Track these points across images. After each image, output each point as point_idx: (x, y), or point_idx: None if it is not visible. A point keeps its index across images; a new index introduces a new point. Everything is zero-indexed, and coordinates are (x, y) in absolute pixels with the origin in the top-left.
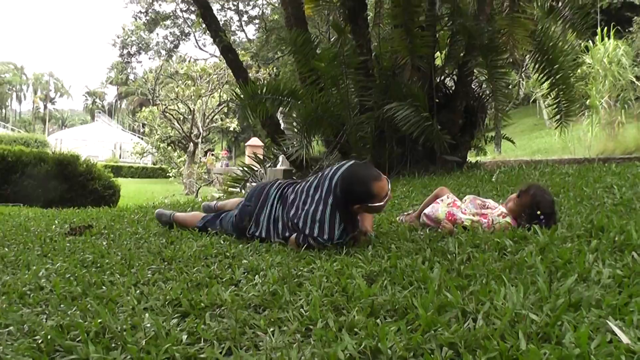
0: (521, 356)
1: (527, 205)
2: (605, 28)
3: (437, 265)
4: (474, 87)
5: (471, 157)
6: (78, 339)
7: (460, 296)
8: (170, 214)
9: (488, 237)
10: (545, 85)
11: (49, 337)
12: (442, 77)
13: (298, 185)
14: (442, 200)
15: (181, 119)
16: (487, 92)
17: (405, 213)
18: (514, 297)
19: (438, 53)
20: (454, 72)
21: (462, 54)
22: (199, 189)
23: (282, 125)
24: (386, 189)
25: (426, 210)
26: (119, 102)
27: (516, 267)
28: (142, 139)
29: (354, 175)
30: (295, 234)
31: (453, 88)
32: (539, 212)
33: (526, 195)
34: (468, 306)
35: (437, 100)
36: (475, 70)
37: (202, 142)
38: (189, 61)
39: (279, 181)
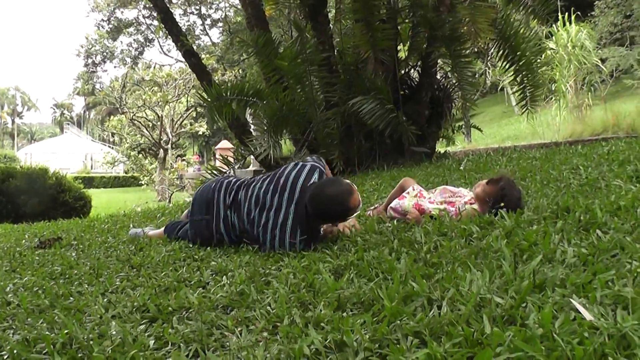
0: (485, 340)
1: (493, 195)
2: (567, 13)
3: (404, 256)
4: (439, 77)
5: (441, 147)
6: (44, 352)
7: (426, 285)
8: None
9: (455, 225)
10: (510, 72)
11: (14, 351)
12: (406, 69)
13: (250, 190)
14: (408, 193)
15: (150, 125)
16: (453, 82)
17: (373, 207)
18: (479, 282)
19: (401, 46)
20: (418, 64)
21: (424, 46)
22: (171, 195)
23: (252, 127)
24: (359, 197)
25: (392, 204)
26: (87, 112)
27: (482, 253)
28: (112, 148)
29: (328, 196)
30: (258, 245)
31: (417, 80)
32: (502, 205)
33: (495, 185)
34: (434, 294)
35: (402, 93)
36: (439, 61)
37: (172, 147)
38: (154, 67)
39: (225, 182)
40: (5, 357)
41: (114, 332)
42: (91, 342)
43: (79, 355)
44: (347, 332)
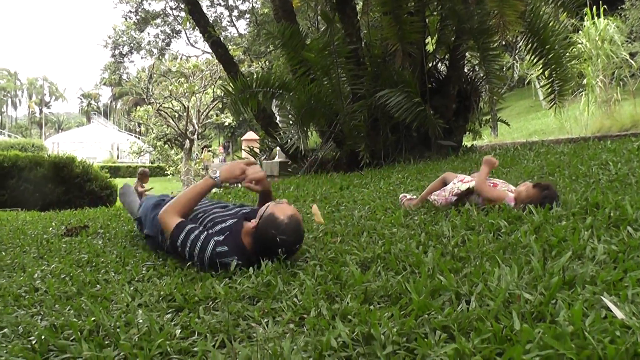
0: (515, 336)
1: (534, 200)
2: (594, 7)
3: (432, 249)
4: (466, 70)
5: (467, 141)
6: (72, 338)
7: (453, 279)
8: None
9: (482, 219)
10: (538, 65)
11: (42, 337)
12: (434, 63)
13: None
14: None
15: (176, 116)
16: (480, 75)
17: (408, 197)
18: (507, 278)
19: (429, 38)
20: (446, 57)
21: (452, 39)
22: None
23: (278, 118)
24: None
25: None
26: (113, 102)
27: (510, 248)
28: (138, 138)
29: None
30: None
31: (445, 73)
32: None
33: (539, 191)
34: (462, 289)
35: (429, 86)
36: (467, 54)
37: (198, 138)
38: (181, 59)
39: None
40: (33, 342)
41: (140, 321)
42: (118, 330)
43: (106, 342)
44: (374, 325)
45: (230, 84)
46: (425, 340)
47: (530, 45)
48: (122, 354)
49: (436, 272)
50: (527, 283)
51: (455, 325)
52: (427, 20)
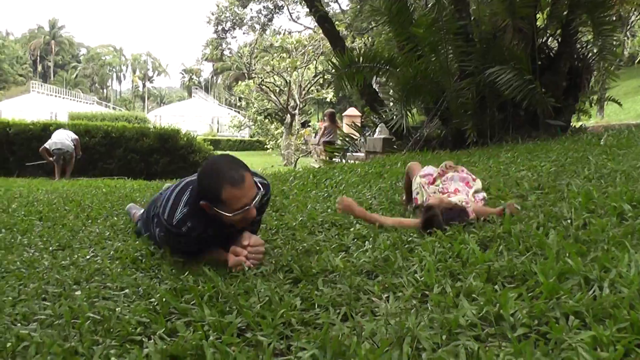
0: None
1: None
2: None
3: (552, 232)
4: (577, 47)
5: (573, 122)
6: (192, 302)
7: (581, 263)
8: None
9: (604, 202)
10: None
11: (164, 299)
12: (545, 38)
13: None
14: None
15: (277, 91)
16: (593, 51)
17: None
18: (639, 265)
19: (539, 13)
20: (557, 32)
21: (565, 13)
22: (297, 159)
23: (379, 94)
24: (242, 202)
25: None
26: (214, 77)
27: (638, 233)
28: (239, 112)
29: (211, 167)
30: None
31: (556, 49)
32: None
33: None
34: (591, 273)
35: (539, 63)
36: (578, 30)
37: (299, 113)
38: (284, 34)
39: None
40: (155, 304)
41: (260, 290)
42: (238, 297)
43: (227, 308)
44: (504, 305)
45: (337, 58)
46: (558, 324)
47: None
48: (244, 321)
49: (562, 255)
50: None
51: (589, 311)
52: None
